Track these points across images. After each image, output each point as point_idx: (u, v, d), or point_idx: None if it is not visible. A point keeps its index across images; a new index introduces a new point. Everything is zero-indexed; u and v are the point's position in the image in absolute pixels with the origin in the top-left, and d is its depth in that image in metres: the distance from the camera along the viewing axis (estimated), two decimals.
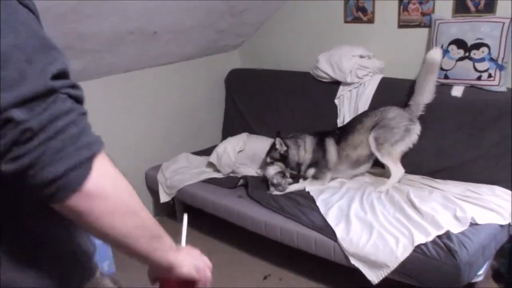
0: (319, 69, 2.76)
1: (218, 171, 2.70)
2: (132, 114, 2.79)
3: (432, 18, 2.42)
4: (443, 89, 2.37)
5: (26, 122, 0.55)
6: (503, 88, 2.21)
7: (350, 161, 2.43)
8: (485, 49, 2.23)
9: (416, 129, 2.33)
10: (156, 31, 2.44)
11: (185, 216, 1.01)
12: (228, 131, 3.12)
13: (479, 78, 2.25)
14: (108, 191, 0.62)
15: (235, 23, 2.98)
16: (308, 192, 2.35)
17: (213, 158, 2.69)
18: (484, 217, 1.90)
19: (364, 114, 2.45)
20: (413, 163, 2.43)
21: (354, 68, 2.62)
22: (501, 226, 1.93)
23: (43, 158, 0.56)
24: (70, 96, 0.60)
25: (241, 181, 2.50)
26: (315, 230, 2.02)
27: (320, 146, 2.48)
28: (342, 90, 2.72)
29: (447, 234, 1.78)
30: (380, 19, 2.68)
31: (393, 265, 1.75)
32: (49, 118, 0.57)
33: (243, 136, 2.81)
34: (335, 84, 2.75)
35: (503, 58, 2.21)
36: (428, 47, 2.48)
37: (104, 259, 2.41)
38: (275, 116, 3.01)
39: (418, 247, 1.74)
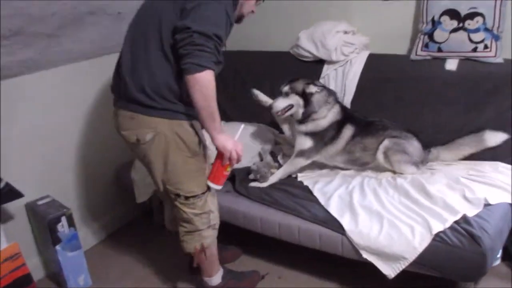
0: (301, 47, 2.56)
1: None
2: (98, 104, 2.48)
3: None
4: (436, 63, 2.25)
5: (196, 40, 1.46)
6: (499, 60, 2.11)
7: (349, 158, 2.18)
8: (479, 18, 2.11)
9: (421, 169, 2.10)
10: (121, 11, 2.13)
11: (242, 126, 1.80)
12: None
13: (474, 50, 2.14)
14: (201, 84, 1.49)
15: None
16: (301, 182, 2.17)
17: None
18: (495, 197, 1.79)
19: (390, 125, 2.16)
20: None
21: (339, 45, 2.44)
22: (510, 204, 1.84)
23: (190, 55, 1.46)
24: (216, 45, 1.50)
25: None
26: (318, 223, 1.84)
27: (337, 126, 2.15)
28: (327, 69, 2.54)
29: (465, 219, 1.65)
30: None
31: (412, 256, 1.60)
32: (203, 43, 1.46)
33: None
34: (319, 63, 2.56)
35: (498, 28, 2.10)
36: (417, 19, 2.35)
37: (79, 273, 2.14)
38: (253, 101, 2.78)
39: (437, 235, 1.60)
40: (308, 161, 2.19)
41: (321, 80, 2.54)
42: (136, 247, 2.52)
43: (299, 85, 2.13)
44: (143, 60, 1.59)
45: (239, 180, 2.20)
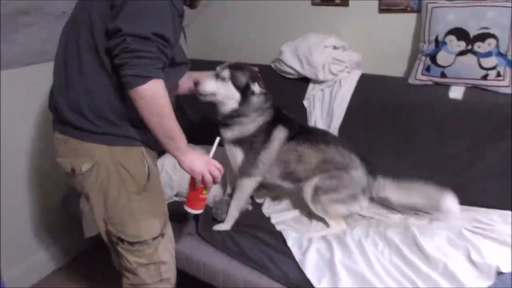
0: (284, 62, 2.22)
1: None
2: (38, 119, 2.11)
3: (423, 1, 1.95)
4: (438, 89, 1.92)
5: (131, 45, 1.15)
6: None
7: (284, 170, 1.82)
8: (492, 41, 1.78)
9: (363, 202, 1.80)
10: (65, 11, 1.77)
11: (218, 139, 1.51)
12: None
13: (484, 77, 1.81)
14: (147, 98, 1.20)
15: None
16: (274, 226, 1.82)
17: None
18: (509, 262, 1.47)
19: (335, 141, 1.85)
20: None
21: (328, 62, 2.10)
22: None
23: (127, 65, 1.17)
24: (159, 47, 1.18)
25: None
26: (289, 287, 1.50)
27: (267, 129, 1.79)
28: (312, 89, 2.20)
29: None
30: (357, 2, 2.17)
31: None
32: (140, 48, 1.15)
33: None
34: (303, 81, 2.22)
35: None
36: (417, 37, 2.02)
37: None
38: None
39: None
40: (254, 179, 1.83)
41: (305, 102, 2.21)
42: (85, 284, 2.18)
43: (243, 78, 1.70)
44: (77, 72, 1.28)
45: (202, 220, 1.85)
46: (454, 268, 1.43)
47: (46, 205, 2.25)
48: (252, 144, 1.79)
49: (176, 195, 2.10)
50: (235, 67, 1.74)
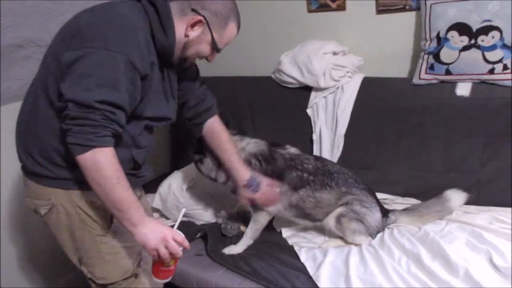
0: (283, 72, 2.18)
1: (166, 217, 2.07)
2: None
3: None
4: (444, 87, 1.87)
5: (72, 112, 1.07)
6: None
7: (298, 213, 1.74)
8: (495, 33, 1.73)
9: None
10: None
11: (183, 210, 1.32)
12: (178, 159, 2.48)
13: (491, 72, 1.75)
14: (88, 168, 1.11)
15: None
16: (286, 240, 1.77)
17: (156, 202, 2.04)
18: None
19: (356, 182, 1.73)
20: (417, 184, 1.92)
21: (328, 68, 2.06)
22: None
23: (69, 132, 1.09)
24: (105, 115, 1.08)
25: (199, 233, 1.88)
26: None
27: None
28: (314, 97, 2.16)
29: None
30: (354, 5, 2.13)
31: None
32: (81, 116, 1.07)
33: (192, 167, 2.06)
34: (305, 90, 2.18)
35: None
36: (418, 36, 1.97)
37: None
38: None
39: None
40: (268, 212, 1.75)
41: (308, 111, 2.17)
42: None
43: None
44: (33, 117, 1.22)
45: (212, 240, 1.81)
46: (476, 273, 1.36)
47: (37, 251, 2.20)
48: None
49: (184, 216, 2.06)
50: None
